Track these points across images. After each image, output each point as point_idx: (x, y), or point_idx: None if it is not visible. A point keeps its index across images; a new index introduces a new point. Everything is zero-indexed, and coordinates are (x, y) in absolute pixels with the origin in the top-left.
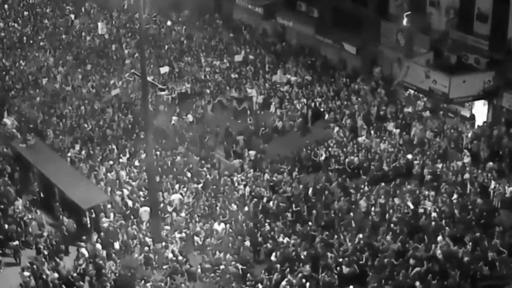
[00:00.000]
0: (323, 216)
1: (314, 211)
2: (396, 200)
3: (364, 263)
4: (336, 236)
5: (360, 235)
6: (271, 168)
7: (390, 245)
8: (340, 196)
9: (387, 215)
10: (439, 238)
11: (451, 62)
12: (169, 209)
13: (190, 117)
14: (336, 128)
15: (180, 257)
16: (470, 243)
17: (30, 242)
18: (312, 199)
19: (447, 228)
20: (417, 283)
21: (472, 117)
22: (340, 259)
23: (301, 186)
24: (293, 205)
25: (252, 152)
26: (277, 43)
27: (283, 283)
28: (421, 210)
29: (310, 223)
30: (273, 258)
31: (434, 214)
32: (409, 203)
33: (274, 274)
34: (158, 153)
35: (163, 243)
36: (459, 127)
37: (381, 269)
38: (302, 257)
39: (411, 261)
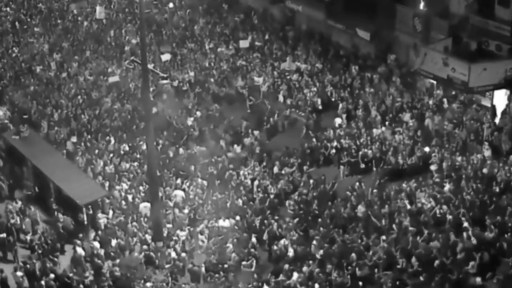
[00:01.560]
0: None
1: (320, 220)
2: (399, 203)
3: (403, 267)
4: (360, 241)
5: (383, 237)
6: (280, 162)
7: (429, 245)
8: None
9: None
10: (465, 224)
11: (471, 49)
12: (171, 204)
13: (198, 113)
14: (338, 120)
15: (182, 256)
16: (493, 227)
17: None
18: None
19: (469, 213)
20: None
21: (505, 111)
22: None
23: (311, 180)
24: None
25: (256, 132)
26: (285, 28)
27: (294, 278)
28: (419, 205)
29: (322, 228)
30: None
31: (428, 206)
32: (406, 202)
33: (280, 276)
34: (159, 146)
35: (165, 241)
36: (480, 117)
37: (433, 271)
38: (318, 256)
39: (461, 256)
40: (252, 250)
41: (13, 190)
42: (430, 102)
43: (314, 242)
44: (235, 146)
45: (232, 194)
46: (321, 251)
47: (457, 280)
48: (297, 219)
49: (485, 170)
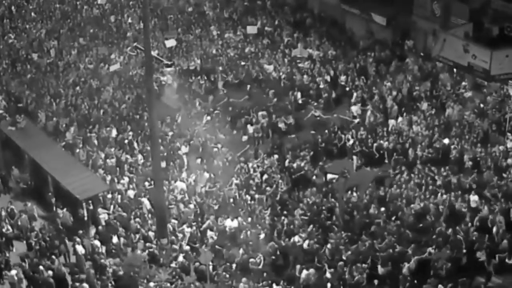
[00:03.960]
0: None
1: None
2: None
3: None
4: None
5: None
6: (292, 154)
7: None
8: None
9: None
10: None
11: (492, 35)
12: (179, 197)
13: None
14: (355, 108)
15: (188, 254)
16: None
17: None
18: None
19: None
20: None
21: None
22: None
23: (324, 175)
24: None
25: (261, 113)
26: (297, 13)
27: (303, 275)
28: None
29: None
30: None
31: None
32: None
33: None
34: (167, 136)
35: (169, 238)
36: (502, 107)
37: None
38: (344, 258)
39: None
40: (262, 247)
41: (7, 184)
42: (450, 90)
43: (329, 245)
44: (248, 126)
45: (241, 188)
46: (349, 253)
47: None
48: (311, 225)
49: (510, 161)
